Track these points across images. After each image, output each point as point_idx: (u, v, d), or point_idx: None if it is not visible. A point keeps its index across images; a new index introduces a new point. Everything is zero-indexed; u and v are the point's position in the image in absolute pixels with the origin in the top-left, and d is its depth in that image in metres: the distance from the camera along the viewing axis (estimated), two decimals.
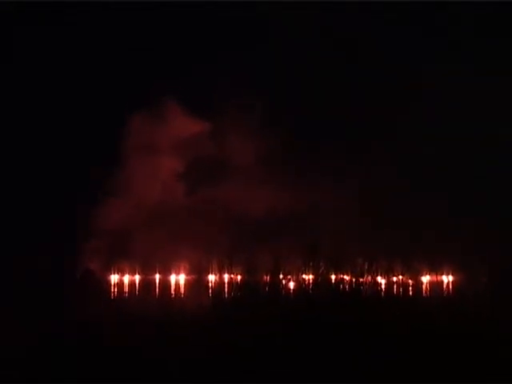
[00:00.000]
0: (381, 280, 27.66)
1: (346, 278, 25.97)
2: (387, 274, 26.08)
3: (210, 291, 26.81)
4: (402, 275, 27.10)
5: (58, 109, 34.87)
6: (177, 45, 36.19)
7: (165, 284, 31.66)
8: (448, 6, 35.34)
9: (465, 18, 36.12)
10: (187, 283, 30.85)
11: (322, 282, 24.88)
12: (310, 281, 25.61)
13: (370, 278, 24.92)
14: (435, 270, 29.42)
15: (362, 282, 24.82)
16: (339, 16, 34.85)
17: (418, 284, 28.55)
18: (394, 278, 28.64)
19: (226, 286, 27.23)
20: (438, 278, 29.65)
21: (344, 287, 25.17)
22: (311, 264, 24.98)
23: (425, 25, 36.70)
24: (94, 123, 34.58)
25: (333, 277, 25.37)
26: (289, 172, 32.78)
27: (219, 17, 35.50)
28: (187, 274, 31.36)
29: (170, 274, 32.09)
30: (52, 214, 32.60)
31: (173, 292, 30.69)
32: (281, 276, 24.99)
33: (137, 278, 32.42)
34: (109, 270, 32.26)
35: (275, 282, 25.38)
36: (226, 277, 28.12)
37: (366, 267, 25.03)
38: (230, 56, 34.80)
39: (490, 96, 35.39)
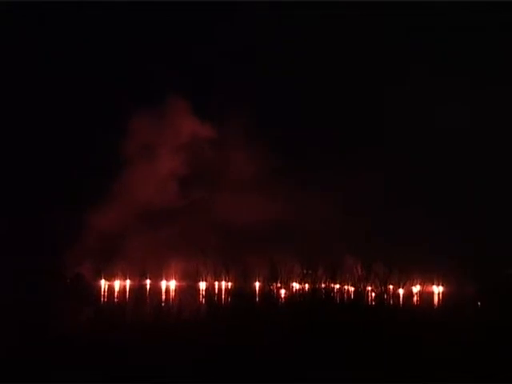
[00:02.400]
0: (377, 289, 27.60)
1: (345, 286, 25.95)
2: (383, 284, 26.03)
3: (203, 298, 26.50)
4: (397, 284, 27.10)
5: (50, 105, 34.40)
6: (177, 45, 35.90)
7: (155, 290, 31.40)
8: (442, 12, 35.65)
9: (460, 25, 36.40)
10: (178, 289, 30.69)
11: (319, 290, 24.74)
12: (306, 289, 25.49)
13: (369, 287, 24.86)
14: (426, 280, 29.65)
15: (362, 290, 24.76)
16: (334, 22, 35.06)
17: (409, 294, 28.61)
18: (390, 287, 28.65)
19: (222, 292, 26.99)
20: (428, 288, 29.90)
21: (342, 296, 25.11)
22: (309, 272, 24.87)
23: (420, 31, 36.96)
24: (87, 121, 34.22)
25: (332, 285, 25.28)
26: (286, 180, 32.92)
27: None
28: (179, 280, 31.20)
29: (161, 279, 31.90)
30: (41, 216, 32.21)
31: (163, 298, 30.43)
32: (278, 284, 24.76)
33: (127, 283, 32.17)
34: (99, 275, 31.95)
35: (271, 290, 25.16)
36: (219, 284, 27.91)
37: (365, 276, 24.95)
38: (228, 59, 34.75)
39: (482, 106, 35.81)
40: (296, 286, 26.61)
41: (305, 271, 25.45)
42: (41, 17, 34.13)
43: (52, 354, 18.73)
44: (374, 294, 26.89)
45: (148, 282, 32.28)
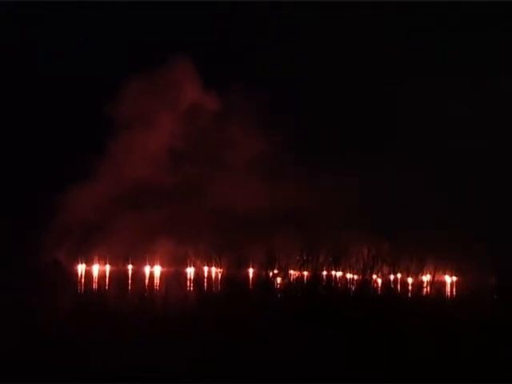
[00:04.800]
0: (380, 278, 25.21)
1: (348, 275, 23.47)
2: (392, 272, 23.60)
3: (192, 285, 24.00)
4: (406, 273, 24.64)
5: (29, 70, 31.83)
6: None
7: (139, 276, 28.80)
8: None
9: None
10: (164, 276, 28.14)
11: (320, 278, 22.25)
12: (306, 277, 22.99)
13: (374, 275, 22.40)
14: (438, 269, 27.23)
15: (366, 280, 22.28)
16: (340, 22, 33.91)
17: (418, 283, 26.13)
18: (392, 277, 26.22)
19: (213, 280, 24.54)
20: (440, 277, 27.76)
21: (346, 285, 22.65)
22: (309, 258, 22.31)
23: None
24: (70, 86, 31.55)
25: (333, 273, 22.80)
26: (288, 166, 30.49)
27: None
28: (164, 266, 28.66)
29: (145, 265, 29.30)
30: (16, 200, 29.53)
31: (146, 285, 27.84)
32: (275, 271, 22.23)
33: (107, 268, 29.57)
34: (77, 260, 29.28)
35: (267, 277, 22.64)
36: (209, 270, 25.41)
37: (370, 265, 22.46)
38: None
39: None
40: (295, 273, 24.21)
41: (304, 257, 22.90)
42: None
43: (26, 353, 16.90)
44: (380, 283, 24.60)
45: (130, 267, 29.71)
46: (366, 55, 36.28)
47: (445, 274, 29.60)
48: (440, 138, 34.73)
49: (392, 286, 25.50)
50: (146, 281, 28.37)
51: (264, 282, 22.94)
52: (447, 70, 35.49)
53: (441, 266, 28.38)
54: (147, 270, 29.75)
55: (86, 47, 33.05)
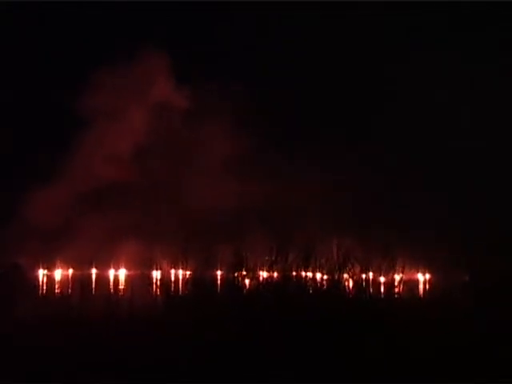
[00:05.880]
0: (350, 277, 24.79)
1: (318, 274, 23.04)
2: (364, 271, 23.23)
3: (158, 288, 23.35)
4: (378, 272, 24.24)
5: None
6: None
7: (102, 280, 28.03)
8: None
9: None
10: (129, 279, 27.43)
11: (289, 278, 21.80)
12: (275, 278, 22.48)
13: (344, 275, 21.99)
14: (410, 267, 26.92)
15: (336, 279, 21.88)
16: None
17: (390, 282, 25.79)
18: (364, 276, 25.86)
19: (179, 282, 23.92)
20: (413, 275, 27.42)
21: (316, 285, 22.23)
22: (278, 258, 21.80)
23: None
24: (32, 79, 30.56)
25: (303, 274, 22.34)
26: (259, 164, 29.96)
27: None
28: (129, 269, 27.93)
29: (109, 268, 28.52)
30: None
31: (111, 288, 27.08)
32: (243, 272, 21.71)
33: (70, 272, 28.72)
34: (39, 265, 28.39)
35: (234, 279, 22.12)
36: (175, 272, 24.77)
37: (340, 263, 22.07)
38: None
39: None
40: (264, 274, 23.71)
41: (273, 258, 22.39)
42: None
43: None
44: (351, 283, 24.19)
45: (94, 271, 28.91)
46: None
47: (417, 272, 29.37)
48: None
49: (364, 284, 25.19)
50: (111, 284, 27.75)
51: (231, 284, 22.48)
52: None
53: (413, 264, 28.13)
54: (111, 273, 29.02)
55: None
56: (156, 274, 25.38)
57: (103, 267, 29.02)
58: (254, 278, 22.32)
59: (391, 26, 35.09)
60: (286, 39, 34.17)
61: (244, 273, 21.96)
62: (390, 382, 15.42)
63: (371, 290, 24.57)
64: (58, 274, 28.98)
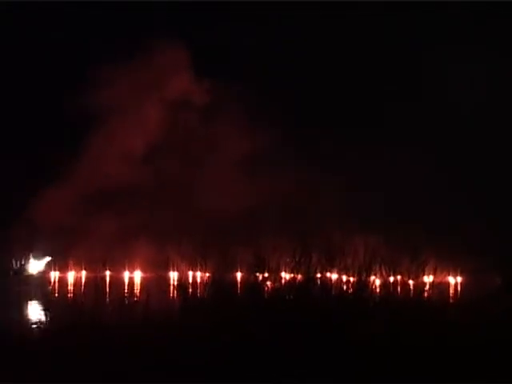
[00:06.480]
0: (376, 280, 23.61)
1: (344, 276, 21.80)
2: (391, 273, 21.97)
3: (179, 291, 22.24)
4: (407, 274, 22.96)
5: None
6: None
7: (117, 282, 27.02)
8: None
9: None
10: (144, 281, 26.39)
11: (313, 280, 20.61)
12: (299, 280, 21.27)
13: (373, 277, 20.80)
14: (442, 269, 25.70)
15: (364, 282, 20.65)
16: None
17: (420, 285, 24.55)
18: (392, 279, 24.59)
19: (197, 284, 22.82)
20: (444, 278, 26.16)
21: (341, 288, 21.00)
22: (301, 260, 20.58)
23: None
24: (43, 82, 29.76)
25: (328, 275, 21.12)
26: (276, 163, 29.02)
27: None
28: (144, 271, 26.92)
29: (124, 270, 27.56)
30: None
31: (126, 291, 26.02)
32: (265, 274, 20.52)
33: (83, 274, 27.80)
34: (50, 266, 27.57)
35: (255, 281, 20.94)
36: (193, 274, 23.65)
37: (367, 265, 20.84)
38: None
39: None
40: (286, 276, 22.52)
41: (297, 259, 21.16)
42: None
43: None
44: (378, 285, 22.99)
45: (108, 273, 27.91)
46: (365, 55, 35.51)
47: (448, 274, 28.23)
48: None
49: (391, 288, 24.01)
50: (126, 287, 26.74)
51: (252, 286, 21.30)
52: (447, 70, 34.61)
53: (444, 267, 27.01)
54: (126, 275, 28.09)
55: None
56: (173, 276, 24.37)
57: (119, 269, 28.14)
58: (277, 280, 21.08)
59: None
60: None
61: (266, 275, 20.74)
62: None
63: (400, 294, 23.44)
64: (70, 276, 28.16)
